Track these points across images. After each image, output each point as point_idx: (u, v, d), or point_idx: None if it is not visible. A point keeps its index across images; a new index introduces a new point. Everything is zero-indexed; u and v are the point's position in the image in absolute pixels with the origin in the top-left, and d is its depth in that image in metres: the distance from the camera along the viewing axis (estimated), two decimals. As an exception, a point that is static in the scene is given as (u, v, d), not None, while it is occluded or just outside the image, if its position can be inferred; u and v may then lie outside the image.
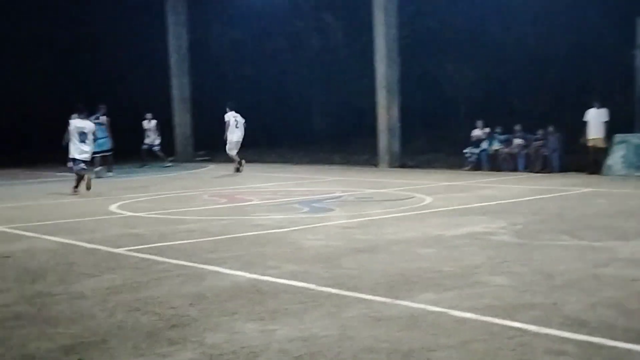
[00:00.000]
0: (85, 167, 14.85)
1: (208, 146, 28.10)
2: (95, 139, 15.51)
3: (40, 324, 5.15)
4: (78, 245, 8.48)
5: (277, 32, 31.50)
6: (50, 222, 10.58)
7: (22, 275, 6.82)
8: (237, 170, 19.96)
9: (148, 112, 23.77)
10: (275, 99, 32.45)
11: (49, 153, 26.27)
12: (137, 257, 7.65)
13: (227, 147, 20.16)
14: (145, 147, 23.59)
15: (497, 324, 4.91)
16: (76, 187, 14.60)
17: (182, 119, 27.28)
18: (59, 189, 15.87)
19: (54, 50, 30.33)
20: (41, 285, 6.39)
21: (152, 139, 23.57)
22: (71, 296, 5.94)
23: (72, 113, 15.31)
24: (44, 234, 9.38)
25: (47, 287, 6.31)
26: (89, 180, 14.54)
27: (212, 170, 22.19)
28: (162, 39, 27.48)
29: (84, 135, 14.79)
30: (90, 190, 14.39)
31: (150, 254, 7.76)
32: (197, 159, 26.94)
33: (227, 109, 20.25)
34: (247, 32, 31.95)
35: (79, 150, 14.70)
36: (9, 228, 10.04)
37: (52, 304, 5.70)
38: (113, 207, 12.32)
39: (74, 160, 14.71)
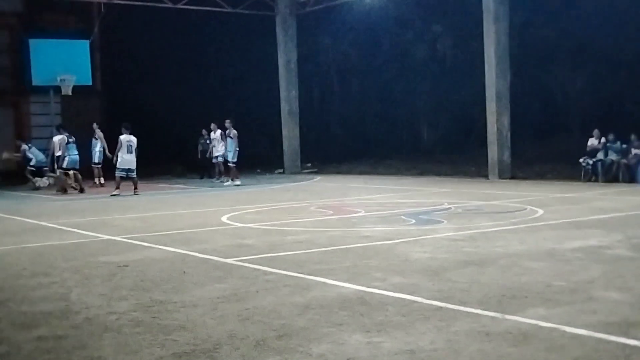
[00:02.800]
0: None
1: (315, 158, 28.44)
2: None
3: (155, 331, 5.35)
4: (191, 255, 8.75)
5: (384, 43, 31.56)
6: (165, 233, 10.97)
7: (138, 284, 7.10)
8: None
9: (213, 123, 23.30)
10: (383, 110, 32.47)
11: (164, 166, 27.34)
12: (247, 267, 7.82)
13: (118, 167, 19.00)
14: (219, 159, 22.98)
15: (612, 341, 4.72)
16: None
17: (290, 132, 27.69)
18: (175, 201, 16.43)
19: (172, 69, 31.48)
20: (156, 293, 6.63)
21: (220, 149, 22.84)
22: (184, 304, 6.13)
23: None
24: (159, 244, 9.73)
25: (162, 295, 6.54)
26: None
27: (319, 182, 22.41)
28: (272, 54, 28.05)
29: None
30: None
31: (259, 264, 7.91)
32: (304, 171, 27.28)
33: (123, 130, 19.00)
34: (353, 45, 32.17)
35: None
36: (127, 238, 10.47)
37: (165, 312, 5.90)
38: (224, 218, 12.65)
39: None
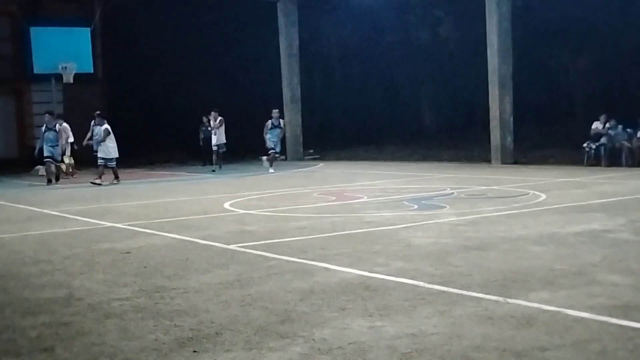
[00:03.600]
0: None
1: (317, 145, 28.40)
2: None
3: (158, 317, 5.36)
4: (193, 242, 8.76)
5: (386, 28, 31.43)
6: (167, 220, 10.98)
7: (140, 271, 7.11)
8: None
9: (215, 109, 22.75)
10: (385, 96, 32.40)
11: (166, 154, 27.35)
12: (249, 253, 7.83)
13: (109, 156, 18.62)
14: (214, 148, 22.65)
15: (614, 324, 4.73)
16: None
17: (292, 119, 27.63)
18: (177, 188, 16.43)
19: (173, 56, 31.39)
20: (159, 279, 6.64)
21: (219, 137, 22.52)
22: (186, 290, 6.14)
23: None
24: (162, 231, 9.74)
25: (164, 281, 6.55)
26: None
27: (322, 169, 22.40)
28: (274, 40, 27.97)
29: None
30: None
31: (261, 250, 7.92)
32: (307, 157, 27.27)
33: (103, 120, 18.74)
34: (355, 30, 32.04)
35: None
36: (129, 225, 10.48)
37: (168, 298, 5.91)
38: (226, 205, 12.65)
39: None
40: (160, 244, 8.70)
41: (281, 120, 21.93)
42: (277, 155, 21.94)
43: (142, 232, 9.82)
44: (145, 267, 7.26)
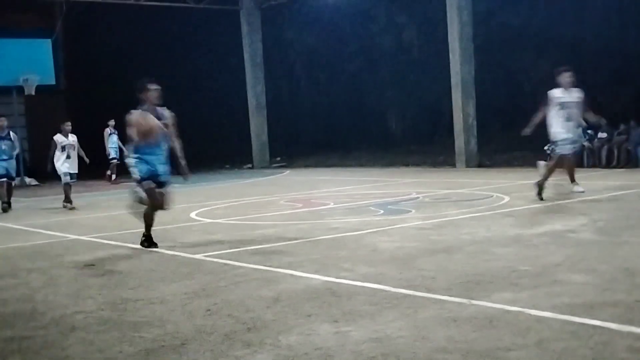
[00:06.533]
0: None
1: (284, 152, 28.42)
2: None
3: (123, 328, 5.32)
4: (159, 252, 8.71)
5: (349, 35, 31.55)
6: (133, 231, 10.85)
7: (105, 282, 7.05)
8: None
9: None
10: (350, 103, 32.50)
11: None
12: (215, 262, 7.80)
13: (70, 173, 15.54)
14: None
15: (576, 323, 4.80)
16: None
17: (258, 127, 27.63)
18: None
19: (137, 65, 31.22)
20: (123, 291, 6.59)
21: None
22: (151, 301, 6.10)
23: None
24: (127, 242, 9.67)
25: (129, 293, 6.50)
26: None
27: (289, 176, 22.41)
28: (238, 48, 27.95)
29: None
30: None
31: (227, 259, 7.90)
32: (274, 165, 27.26)
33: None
34: (320, 38, 32.13)
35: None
36: (95, 237, 10.39)
37: (133, 309, 5.87)
38: (193, 214, 12.60)
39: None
40: (125, 255, 8.64)
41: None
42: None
43: (106, 244, 9.74)
44: (109, 279, 7.20)
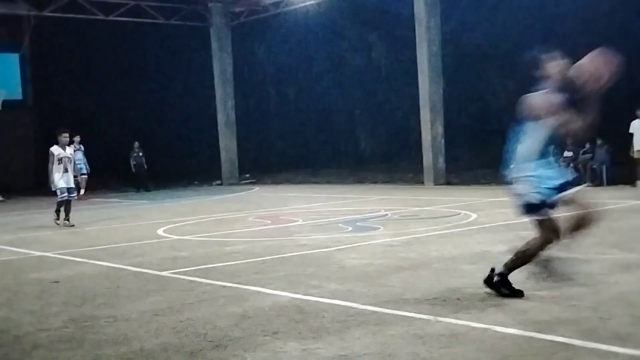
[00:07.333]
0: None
1: (253, 169, 28.37)
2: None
3: (87, 346, 5.25)
4: (125, 269, 8.62)
5: (319, 53, 31.70)
6: (99, 247, 10.78)
7: (70, 300, 6.96)
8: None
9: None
10: (320, 120, 32.59)
11: (98, 180, 26.89)
12: (182, 279, 7.75)
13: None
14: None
15: (541, 339, 4.84)
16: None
17: (227, 143, 27.58)
18: (111, 214, 16.17)
19: (107, 81, 31.00)
20: (88, 308, 6.51)
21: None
22: (117, 319, 6.03)
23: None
24: (93, 258, 9.56)
25: (94, 310, 6.42)
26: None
27: (258, 193, 22.36)
28: (208, 65, 27.92)
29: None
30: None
31: (195, 276, 7.84)
32: (243, 182, 27.19)
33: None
34: (289, 55, 32.22)
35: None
36: (60, 254, 10.25)
37: (98, 327, 5.80)
38: (160, 231, 12.50)
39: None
40: (91, 273, 8.53)
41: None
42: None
43: (72, 260, 9.61)
44: (74, 296, 7.10)
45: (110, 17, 25.35)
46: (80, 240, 11.91)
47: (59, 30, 27.90)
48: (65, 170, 14.22)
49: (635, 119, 16.95)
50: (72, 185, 14.53)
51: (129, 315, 6.13)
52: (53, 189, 14.25)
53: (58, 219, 14.38)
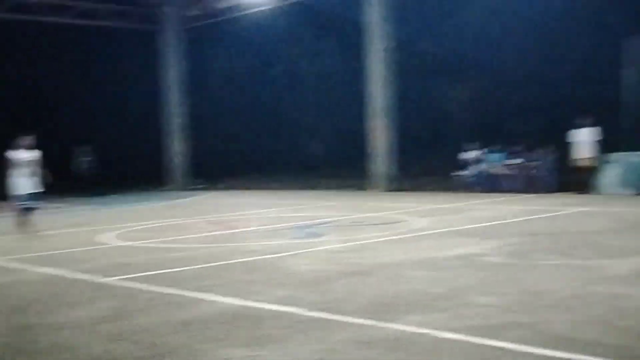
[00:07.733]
0: None
1: (206, 174, 28.17)
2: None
3: (24, 355, 5.12)
4: (67, 276, 8.44)
5: (272, 59, 31.69)
6: (43, 254, 10.54)
7: (9, 307, 6.78)
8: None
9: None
10: (272, 126, 32.57)
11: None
12: (125, 286, 7.62)
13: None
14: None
15: (482, 344, 4.87)
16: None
17: (179, 148, 27.32)
18: (56, 220, 15.86)
19: (54, 85, 30.44)
20: (28, 316, 6.35)
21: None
22: (56, 327, 5.90)
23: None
24: (35, 265, 9.34)
25: (33, 318, 6.27)
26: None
27: (209, 198, 22.19)
28: (160, 68, 27.64)
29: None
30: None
31: (139, 282, 7.72)
32: (195, 187, 26.97)
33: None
34: (242, 60, 32.15)
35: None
36: (1, 261, 10.00)
37: (37, 335, 5.65)
38: (107, 237, 12.30)
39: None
40: (33, 279, 8.34)
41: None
42: None
43: (14, 267, 9.38)
44: (13, 303, 6.93)
45: (60, 20, 24.94)
46: (24, 246, 11.62)
47: (5, 35, 27.31)
48: (28, 175, 13.19)
49: (577, 128, 17.31)
50: (37, 189, 13.35)
51: (70, 323, 5.99)
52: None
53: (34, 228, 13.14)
